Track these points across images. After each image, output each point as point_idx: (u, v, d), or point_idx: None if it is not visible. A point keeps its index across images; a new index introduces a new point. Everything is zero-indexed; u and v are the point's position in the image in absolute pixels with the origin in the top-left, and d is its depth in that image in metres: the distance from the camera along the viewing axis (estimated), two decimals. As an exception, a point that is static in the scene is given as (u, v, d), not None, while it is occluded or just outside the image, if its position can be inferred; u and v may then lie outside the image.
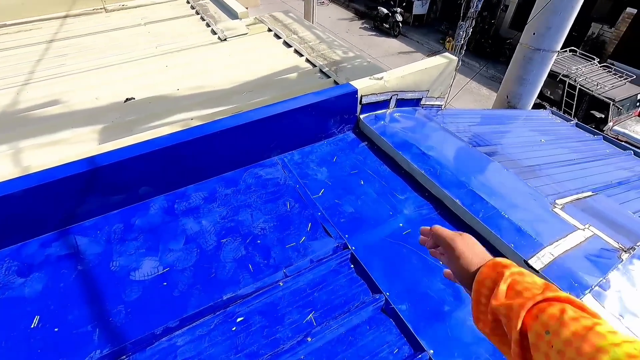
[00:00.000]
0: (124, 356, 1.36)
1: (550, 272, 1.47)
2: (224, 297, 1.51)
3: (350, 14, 15.97)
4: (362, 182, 2.03)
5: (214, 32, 3.71)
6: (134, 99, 2.70)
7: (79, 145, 2.30)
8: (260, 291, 1.55)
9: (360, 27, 14.62)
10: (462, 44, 3.59)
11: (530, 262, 1.50)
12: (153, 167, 1.87)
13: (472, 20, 3.45)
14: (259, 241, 1.73)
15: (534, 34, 3.74)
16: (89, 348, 1.36)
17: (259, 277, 1.58)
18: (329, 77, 2.93)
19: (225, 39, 3.55)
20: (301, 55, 3.28)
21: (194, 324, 1.45)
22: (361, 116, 2.38)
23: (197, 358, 1.35)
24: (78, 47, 3.51)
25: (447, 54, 2.62)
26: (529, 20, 3.62)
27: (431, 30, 14.11)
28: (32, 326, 1.43)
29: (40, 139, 2.34)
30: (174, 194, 1.96)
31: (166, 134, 1.94)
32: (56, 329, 1.42)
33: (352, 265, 1.65)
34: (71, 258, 1.66)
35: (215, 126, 1.96)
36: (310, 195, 1.95)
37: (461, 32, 3.59)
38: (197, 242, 1.72)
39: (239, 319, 1.46)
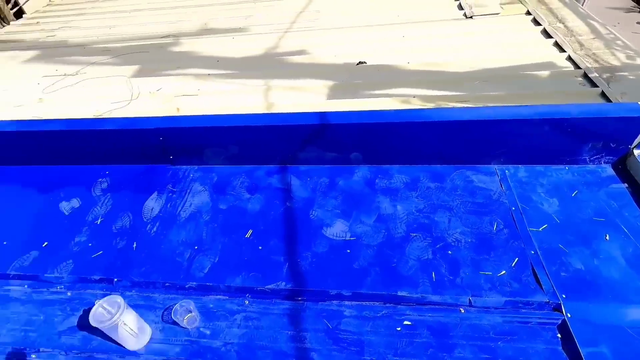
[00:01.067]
0: (300, 298, 1.51)
1: None
2: (399, 293, 1.45)
3: (629, 2, 12.20)
4: (607, 237, 1.53)
5: (460, 7, 3.41)
6: (366, 63, 2.80)
7: (311, 95, 2.58)
8: (437, 306, 1.41)
9: (638, 22, 11.06)
10: None
11: None
12: (367, 137, 1.90)
13: None
14: (450, 252, 1.56)
15: None
16: (278, 276, 1.56)
17: (439, 291, 1.44)
18: (597, 86, 2.27)
19: (471, 17, 3.21)
20: (563, 50, 2.65)
21: (363, 303, 1.46)
22: (635, 151, 1.75)
23: (357, 337, 1.37)
24: (330, 5, 3.87)
25: None
26: None
27: None
28: (246, 236, 1.75)
29: (285, 82, 2.73)
30: (378, 169, 1.97)
31: (385, 109, 1.93)
32: (260, 247, 1.69)
33: (559, 335, 1.30)
34: (284, 192, 1.92)
35: (436, 115, 1.81)
36: (527, 225, 1.61)
37: None
38: (387, 225, 1.70)
39: (406, 322, 1.39)
